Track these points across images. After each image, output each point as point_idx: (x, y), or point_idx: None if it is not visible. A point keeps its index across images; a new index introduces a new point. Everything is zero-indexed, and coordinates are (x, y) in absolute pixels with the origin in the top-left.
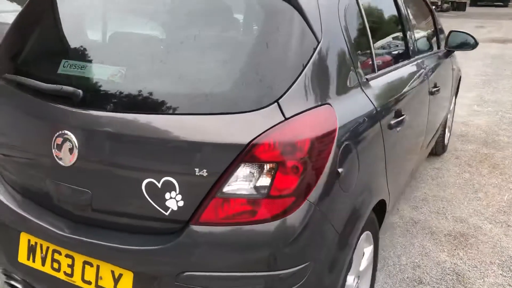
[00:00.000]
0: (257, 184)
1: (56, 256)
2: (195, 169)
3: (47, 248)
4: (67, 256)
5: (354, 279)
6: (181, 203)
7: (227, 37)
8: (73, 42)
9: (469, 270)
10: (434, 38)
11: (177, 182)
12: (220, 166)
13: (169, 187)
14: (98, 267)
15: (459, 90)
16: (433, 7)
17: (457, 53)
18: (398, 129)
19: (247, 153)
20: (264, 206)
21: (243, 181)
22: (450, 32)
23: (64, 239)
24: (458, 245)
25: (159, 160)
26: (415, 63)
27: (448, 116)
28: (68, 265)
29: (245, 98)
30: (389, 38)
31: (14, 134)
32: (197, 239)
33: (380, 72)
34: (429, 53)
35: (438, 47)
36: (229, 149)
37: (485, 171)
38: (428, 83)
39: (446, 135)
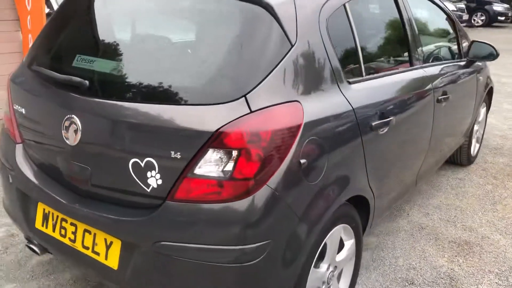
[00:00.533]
0: (223, 168)
1: (64, 224)
2: (171, 151)
3: (57, 216)
4: (71, 224)
5: (329, 267)
6: (159, 181)
7: (204, 37)
8: (86, 40)
9: (464, 276)
10: (454, 48)
11: (156, 162)
12: (192, 150)
13: (150, 167)
14: (95, 235)
15: (500, 103)
16: (503, 17)
17: None
18: (382, 130)
19: (214, 140)
20: (228, 187)
21: (211, 165)
22: (472, 42)
23: (69, 209)
24: (460, 252)
25: (142, 143)
26: (417, 71)
27: (476, 127)
28: (72, 232)
29: (217, 92)
30: (386, 46)
31: (37, 118)
32: (171, 214)
33: (368, 76)
34: (441, 62)
35: (460, 57)
36: (199, 136)
37: (510, 184)
38: (434, 91)
39: (472, 146)
